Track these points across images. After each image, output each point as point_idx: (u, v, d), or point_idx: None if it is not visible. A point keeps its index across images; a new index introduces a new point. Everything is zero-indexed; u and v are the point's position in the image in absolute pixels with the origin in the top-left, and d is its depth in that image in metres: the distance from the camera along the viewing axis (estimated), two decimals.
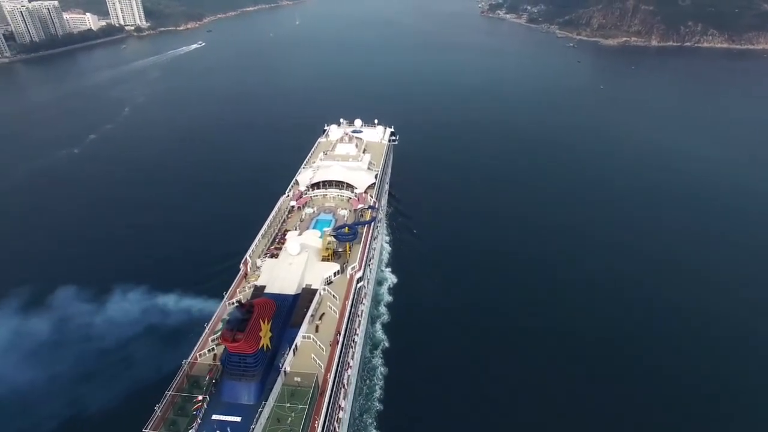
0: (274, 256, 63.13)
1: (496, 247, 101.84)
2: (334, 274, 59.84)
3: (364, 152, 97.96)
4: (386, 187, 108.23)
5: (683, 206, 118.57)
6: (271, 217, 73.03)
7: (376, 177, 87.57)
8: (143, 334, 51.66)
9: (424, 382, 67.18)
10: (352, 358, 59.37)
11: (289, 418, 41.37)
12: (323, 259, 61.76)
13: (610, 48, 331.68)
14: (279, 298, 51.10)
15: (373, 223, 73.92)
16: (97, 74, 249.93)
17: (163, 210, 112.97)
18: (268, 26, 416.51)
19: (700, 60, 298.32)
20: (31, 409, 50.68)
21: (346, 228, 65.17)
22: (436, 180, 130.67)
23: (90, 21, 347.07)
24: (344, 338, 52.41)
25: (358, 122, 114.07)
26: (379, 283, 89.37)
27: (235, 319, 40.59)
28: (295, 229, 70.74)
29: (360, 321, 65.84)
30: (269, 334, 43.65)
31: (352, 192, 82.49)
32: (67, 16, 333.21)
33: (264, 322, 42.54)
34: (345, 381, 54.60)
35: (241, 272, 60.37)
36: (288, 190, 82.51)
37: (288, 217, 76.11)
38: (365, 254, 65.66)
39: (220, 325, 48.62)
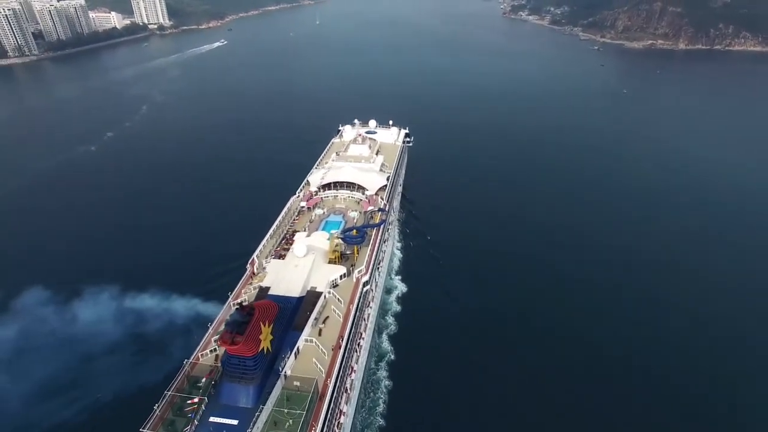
0: (281, 257, 62.91)
1: (515, 256, 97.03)
2: (340, 277, 59.20)
3: (377, 154, 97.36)
4: (399, 189, 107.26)
5: (710, 217, 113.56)
6: (280, 217, 72.87)
7: (388, 179, 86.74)
8: (148, 332, 51.76)
9: (430, 400, 64.25)
10: (357, 363, 58.67)
11: (287, 423, 40.88)
12: (330, 262, 61.24)
13: (635, 51, 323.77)
14: (282, 301, 50.73)
15: (382, 226, 73.07)
16: (119, 72, 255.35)
17: (174, 209, 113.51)
18: (289, 25, 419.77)
19: (731, 64, 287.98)
20: (32, 405, 51.30)
21: (354, 230, 64.51)
22: (452, 183, 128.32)
23: (114, 20, 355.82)
24: (347, 343, 51.72)
25: (372, 123, 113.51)
26: (388, 291, 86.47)
27: (235, 322, 40.28)
28: (304, 230, 70.42)
29: (366, 325, 65.10)
30: (270, 337, 43.21)
31: (363, 194, 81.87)
32: (93, 15, 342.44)
33: (264, 325, 42.13)
34: (348, 386, 53.97)
35: (247, 272, 60.20)
36: (299, 190, 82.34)
37: (297, 218, 75.97)
38: (373, 258, 64.89)
39: (223, 326, 48.48)
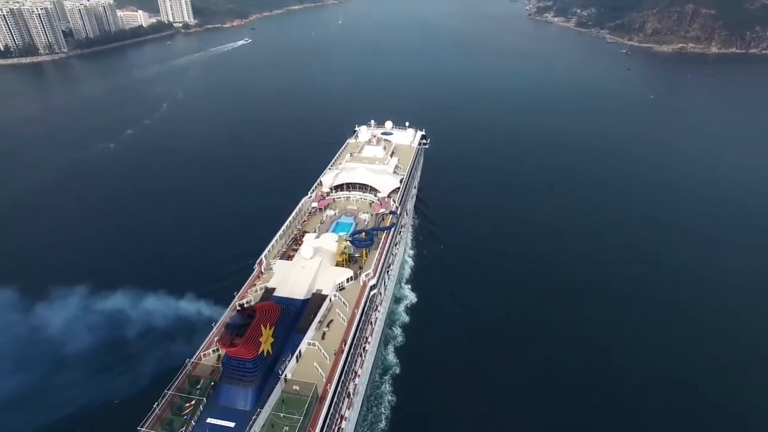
0: (289, 257, 62.69)
1: (535, 266, 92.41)
2: (347, 280, 58.52)
3: (391, 155, 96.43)
4: (413, 192, 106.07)
5: (740, 229, 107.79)
6: (290, 217, 72.70)
7: (401, 181, 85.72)
8: (153, 330, 52.05)
9: (436, 420, 61.16)
10: (361, 367, 57.92)
11: (285, 427, 40.41)
12: (337, 264, 60.64)
13: (664, 55, 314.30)
14: (286, 302, 50.34)
15: (393, 230, 72.16)
16: (143, 70, 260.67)
17: (186, 207, 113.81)
18: (312, 25, 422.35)
19: None
20: (39, 399, 52.31)
21: (363, 233, 63.76)
22: (470, 186, 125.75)
23: (141, 18, 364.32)
24: (351, 347, 51.01)
25: (388, 124, 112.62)
26: (397, 300, 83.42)
27: (235, 324, 39.99)
28: (314, 231, 70.09)
29: (373, 329, 64.31)
30: (271, 340, 42.75)
31: (376, 196, 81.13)
32: (121, 14, 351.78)
33: (266, 328, 41.72)
34: (351, 390, 53.25)
35: (254, 273, 60.05)
36: (311, 190, 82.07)
37: (308, 219, 75.69)
38: (381, 261, 64.04)
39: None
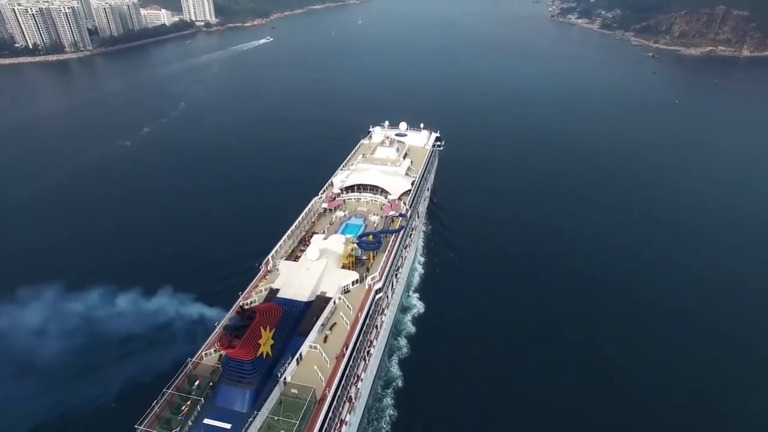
0: (296, 258, 62.43)
1: (553, 276, 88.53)
2: (352, 283, 57.86)
3: (404, 157, 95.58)
4: (426, 194, 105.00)
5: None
6: (300, 218, 72.53)
7: (412, 183, 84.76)
8: (158, 328, 52.24)
9: None
10: (365, 371, 57.25)
11: (281, 431, 40.02)
12: (344, 267, 60.06)
13: (692, 58, 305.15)
14: (289, 304, 49.96)
15: (402, 233, 71.31)
16: (163, 68, 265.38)
17: (196, 206, 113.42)
18: (332, 25, 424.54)
19: None
20: (42, 394, 53.15)
21: (371, 236, 63.05)
22: (485, 191, 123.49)
23: (164, 17, 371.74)
24: (353, 351, 50.38)
25: (403, 125, 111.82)
26: (404, 310, 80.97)
27: (233, 325, 39.75)
28: (323, 233, 69.76)
29: (378, 333, 63.59)
30: (271, 342, 42.38)
31: (386, 198, 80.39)
32: (144, 12, 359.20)
33: (265, 330, 41.38)
34: (353, 394, 52.65)
35: (260, 273, 59.95)
36: (321, 191, 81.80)
37: (317, 219, 75.40)
38: (388, 265, 63.24)
39: None
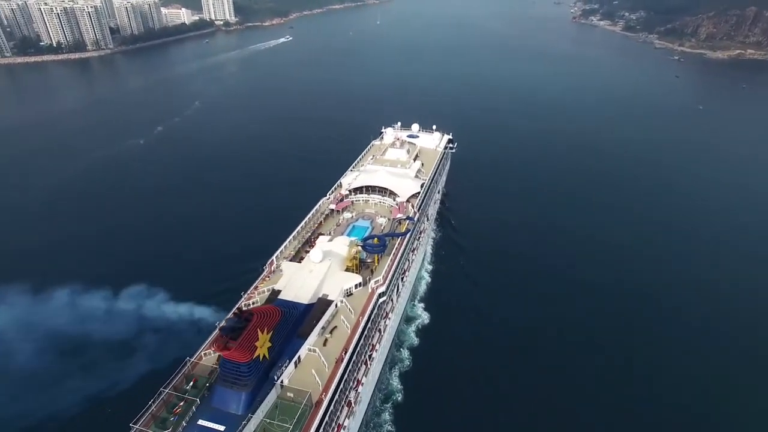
0: (301, 259, 62.10)
1: (569, 287, 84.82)
2: (355, 286, 57.28)
3: (415, 159, 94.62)
4: (437, 197, 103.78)
5: None
6: (306, 218, 72.32)
7: (422, 186, 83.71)
8: (159, 327, 52.57)
9: None
10: (366, 376, 56.59)
11: None
12: (347, 269, 59.47)
13: (718, 62, 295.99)
14: (290, 306, 49.56)
15: (408, 236, 70.38)
16: (181, 66, 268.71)
17: (205, 205, 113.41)
18: (350, 25, 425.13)
19: None
20: (48, 387, 53.87)
21: (376, 239, 62.32)
22: (498, 194, 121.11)
23: (184, 15, 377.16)
24: (352, 355, 49.75)
25: (415, 127, 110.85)
26: (408, 320, 78.12)
27: (230, 327, 39.51)
28: (329, 234, 69.37)
29: (382, 337, 62.84)
30: (268, 344, 42.06)
31: (395, 200, 79.61)
32: (165, 11, 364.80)
33: (263, 332, 41.07)
34: (352, 399, 52.03)
35: (264, 273, 59.79)
36: (330, 192, 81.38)
37: (324, 221, 75.03)
38: (393, 269, 62.45)
39: None
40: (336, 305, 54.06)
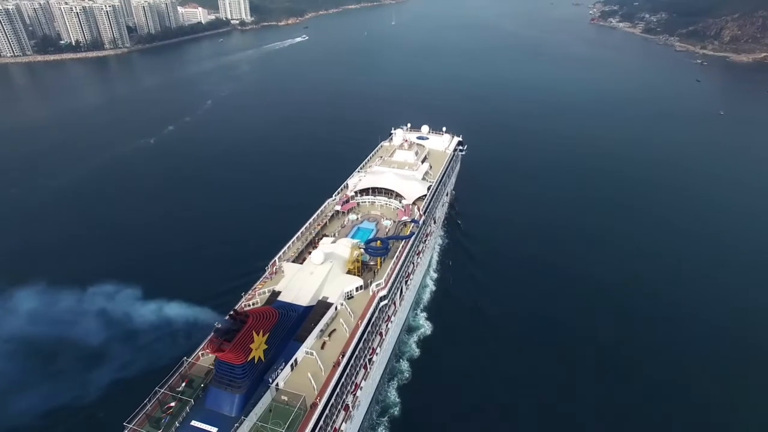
0: (303, 261, 61.83)
1: (583, 299, 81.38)
2: (356, 289, 56.75)
3: (423, 161, 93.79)
4: (445, 199, 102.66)
5: None
6: (311, 219, 72.12)
7: (428, 189, 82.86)
8: (159, 327, 52.48)
9: None
10: (365, 380, 56.05)
11: None
12: (349, 272, 58.99)
13: (742, 65, 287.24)
14: (288, 308, 49.23)
15: (412, 239, 69.65)
16: (196, 65, 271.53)
17: (209, 206, 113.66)
18: (365, 25, 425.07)
19: None
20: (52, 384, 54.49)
21: (378, 241, 61.71)
22: (510, 198, 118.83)
23: (200, 15, 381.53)
24: (350, 359, 49.22)
25: (425, 128, 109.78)
26: (409, 330, 75.91)
27: (224, 329, 39.29)
28: (334, 236, 69.03)
29: (383, 341, 62.22)
30: (264, 347, 41.77)
31: (401, 202, 78.95)
32: (182, 10, 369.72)
33: (258, 334, 40.79)
34: (350, 403, 51.52)
35: (266, 274, 59.68)
36: (336, 193, 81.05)
37: (329, 222, 74.73)
38: (395, 272, 61.78)
39: None
40: (336, 308, 53.60)
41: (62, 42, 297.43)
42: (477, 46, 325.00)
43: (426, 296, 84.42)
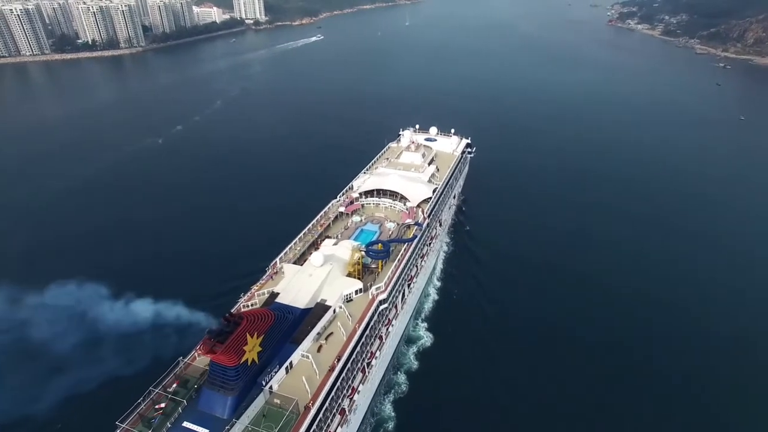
0: (305, 261, 61.52)
1: (595, 311, 78.81)
2: (356, 292, 56.15)
3: (430, 163, 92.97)
4: (452, 202, 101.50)
5: None
6: (314, 221, 71.84)
7: (434, 191, 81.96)
8: (158, 327, 52.79)
9: None
10: (363, 384, 55.47)
11: None
12: (348, 275, 58.40)
13: (766, 68, 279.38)
14: (285, 310, 48.91)
15: (415, 243, 68.82)
16: (208, 65, 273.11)
17: (213, 206, 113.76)
18: (379, 25, 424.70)
19: None
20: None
21: (379, 244, 61.08)
22: (521, 202, 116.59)
23: (215, 14, 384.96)
24: (346, 363, 48.70)
25: (433, 130, 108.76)
26: (409, 341, 73.41)
27: (217, 330, 39.09)
28: (336, 237, 68.61)
29: (383, 345, 61.55)
30: (258, 349, 41.47)
31: (405, 205, 78.20)
32: (197, 10, 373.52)
33: (252, 336, 40.52)
34: (346, 407, 51.00)
35: (266, 275, 59.45)
36: (340, 194, 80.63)
37: (333, 223, 74.32)
38: (396, 276, 61.05)
39: None
40: (334, 311, 53.08)
41: (79, 41, 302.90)
42: (491, 47, 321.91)
43: (428, 305, 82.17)
